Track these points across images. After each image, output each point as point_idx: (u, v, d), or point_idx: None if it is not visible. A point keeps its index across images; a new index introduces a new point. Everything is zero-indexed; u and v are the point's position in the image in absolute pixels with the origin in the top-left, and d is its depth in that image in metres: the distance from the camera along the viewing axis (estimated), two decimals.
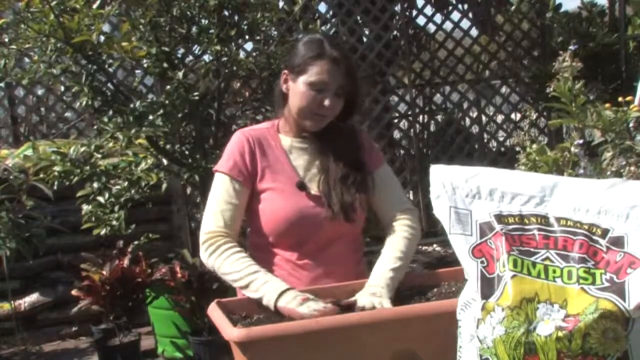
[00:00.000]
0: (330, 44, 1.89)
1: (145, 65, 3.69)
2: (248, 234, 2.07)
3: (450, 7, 6.74)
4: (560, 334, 1.11)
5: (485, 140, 6.84)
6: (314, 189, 1.91)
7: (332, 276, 1.87)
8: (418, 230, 1.95)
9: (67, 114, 5.98)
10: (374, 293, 1.70)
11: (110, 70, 3.73)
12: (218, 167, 1.95)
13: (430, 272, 1.87)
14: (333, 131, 1.96)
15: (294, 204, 1.88)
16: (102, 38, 3.37)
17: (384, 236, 1.94)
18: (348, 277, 1.85)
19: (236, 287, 1.81)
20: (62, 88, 5.46)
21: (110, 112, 3.43)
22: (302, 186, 1.90)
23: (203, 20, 3.59)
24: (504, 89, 7.03)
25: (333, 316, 1.52)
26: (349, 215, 1.89)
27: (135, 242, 4.03)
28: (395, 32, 6.53)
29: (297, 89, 1.89)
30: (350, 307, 1.64)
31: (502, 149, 6.76)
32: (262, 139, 1.96)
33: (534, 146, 2.32)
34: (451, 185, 1.33)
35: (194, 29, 3.61)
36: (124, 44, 3.34)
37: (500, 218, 1.26)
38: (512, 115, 7.08)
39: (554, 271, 1.17)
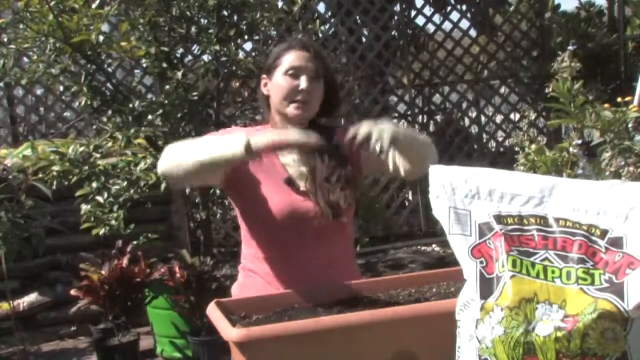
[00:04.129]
0: (297, 38, 2.04)
1: (144, 65, 3.70)
2: (241, 232, 2.08)
3: (449, 7, 6.74)
4: (559, 334, 1.11)
5: (485, 141, 6.85)
6: (302, 186, 1.93)
7: (326, 271, 1.89)
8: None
9: (66, 114, 5.98)
10: (375, 123, 1.73)
11: (110, 70, 3.72)
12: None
13: (429, 272, 1.87)
14: (319, 130, 1.98)
15: (286, 199, 1.91)
16: (101, 38, 3.37)
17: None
18: (342, 273, 1.87)
19: (199, 163, 1.76)
20: (61, 88, 5.45)
21: (109, 112, 3.43)
22: (290, 182, 1.93)
23: (202, 20, 3.60)
24: (503, 89, 7.04)
25: (333, 316, 1.52)
26: (337, 212, 1.91)
27: (134, 242, 4.03)
28: (394, 32, 6.54)
29: (275, 84, 1.94)
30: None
31: (501, 149, 6.77)
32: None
33: (533, 146, 2.33)
34: (450, 186, 1.33)
35: (193, 29, 3.61)
36: (123, 43, 3.34)
37: (499, 218, 1.26)
38: (511, 116, 7.09)
39: (553, 271, 1.17)
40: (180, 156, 1.80)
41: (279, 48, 1.98)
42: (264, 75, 1.98)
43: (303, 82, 1.90)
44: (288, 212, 1.90)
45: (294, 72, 1.90)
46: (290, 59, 1.92)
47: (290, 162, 1.97)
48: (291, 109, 1.93)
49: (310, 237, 1.92)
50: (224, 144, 1.73)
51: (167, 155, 1.84)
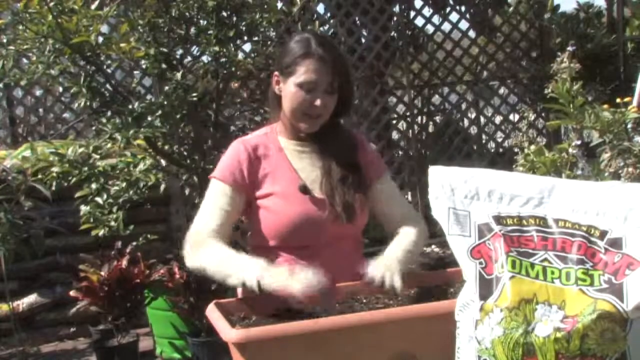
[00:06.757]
0: (318, 42, 1.88)
1: (143, 66, 3.69)
2: (248, 238, 2.07)
3: (448, 8, 6.75)
4: (558, 334, 1.11)
5: (484, 141, 6.84)
6: (316, 192, 1.91)
7: (335, 277, 1.87)
8: (425, 231, 1.96)
9: (66, 115, 5.98)
10: (386, 264, 1.73)
11: (109, 71, 3.72)
12: (214, 174, 1.95)
13: (428, 273, 1.88)
14: (332, 132, 1.96)
15: (298, 208, 1.89)
16: (101, 39, 3.37)
17: (389, 237, 1.95)
18: (349, 279, 1.85)
19: (220, 280, 1.78)
20: (61, 89, 5.44)
21: (109, 113, 3.43)
22: (305, 189, 1.91)
23: (201, 21, 3.59)
24: (502, 90, 7.04)
25: (332, 317, 1.52)
26: (351, 216, 1.90)
27: (134, 243, 4.02)
28: (393, 33, 6.54)
29: (288, 91, 1.89)
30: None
31: (501, 150, 6.77)
32: (262, 146, 1.96)
33: (532, 147, 2.33)
34: (450, 187, 1.33)
35: (192, 30, 3.60)
36: (122, 44, 3.33)
37: (498, 219, 1.27)
38: (511, 116, 7.10)
39: (553, 272, 1.17)
40: (204, 265, 1.81)
41: (297, 50, 1.88)
42: (277, 73, 1.93)
43: (318, 100, 1.86)
44: (301, 222, 1.88)
45: (308, 87, 1.85)
46: (307, 71, 1.85)
47: (303, 166, 1.95)
48: (302, 124, 1.91)
49: (322, 245, 1.90)
50: (240, 270, 1.69)
51: (194, 256, 1.84)
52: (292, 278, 1.56)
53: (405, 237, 1.89)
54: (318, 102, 1.86)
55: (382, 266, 1.72)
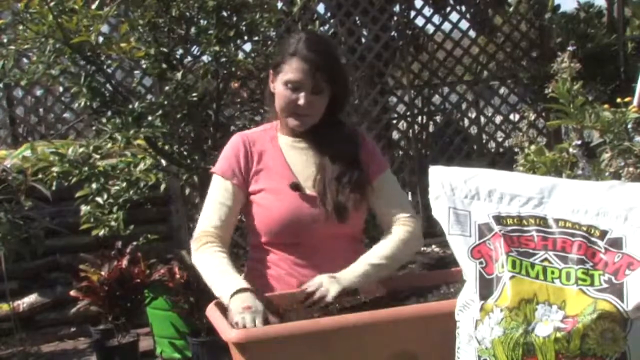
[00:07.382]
0: (305, 42, 1.88)
1: (144, 66, 3.68)
2: (247, 237, 2.07)
3: (449, 8, 6.75)
4: (558, 334, 1.11)
5: (484, 141, 6.85)
6: (309, 189, 1.91)
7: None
8: (416, 236, 1.90)
9: (66, 115, 5.98)
10: (332, 276, 1.72)
11: (109, 70, 3.71)
12: (215, 169, 1.97)
13: (429, 272, 1.88)
14: (331, 129, 1.96)
15: (288, 204, 1.89)
16: (101, 39, 3.37)
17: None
18: None
19: (206, 282, 1.80)
20: (61, 89, 5.45)
21: (109, 113, 3.42)
22: (296, 187, 1.91)
23: (202, 21, 3.59)
24: (502, 90, 7.04)
25: (332, 317, 1.52)
26: (342, 215, 1.88)
27: (134, 243, 4.03)
28: (393, 33, 6.54)
29: (277, 89, 1.91)
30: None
31: (501, 149, 6.77)
32: (260, 141, 1.97)
33: (532, 147, 2.33)
34: (450, 186, 1.33)
35: (192, 30, 3.60)
36: (122, 44, 3.33)
37: (499, 219, 1.27)
38: (511, 116, 7.10)
39: (553, 272, 1.17)
40: (198, 267, 1.84)
41: (288, 47, 1.89)
42: (271, 71, 1.95)
43: (301, 99, 1.86)
44: (290, 218, 1.88)
45: (293, 86, 1.86)
46: (292, 70, 1.86)
47: (298, 163, 1.94)
48: (290, 120, 1.91)
49: (314, 242, 1.90)
50: (220, 287, 1.71)
51: (194, 255, 1.87)
52: (243, 312, 1.56)
53: (380, 248, 1.86)
54: (302, 101, 1.86)
55: (322, 279, 1.70)
